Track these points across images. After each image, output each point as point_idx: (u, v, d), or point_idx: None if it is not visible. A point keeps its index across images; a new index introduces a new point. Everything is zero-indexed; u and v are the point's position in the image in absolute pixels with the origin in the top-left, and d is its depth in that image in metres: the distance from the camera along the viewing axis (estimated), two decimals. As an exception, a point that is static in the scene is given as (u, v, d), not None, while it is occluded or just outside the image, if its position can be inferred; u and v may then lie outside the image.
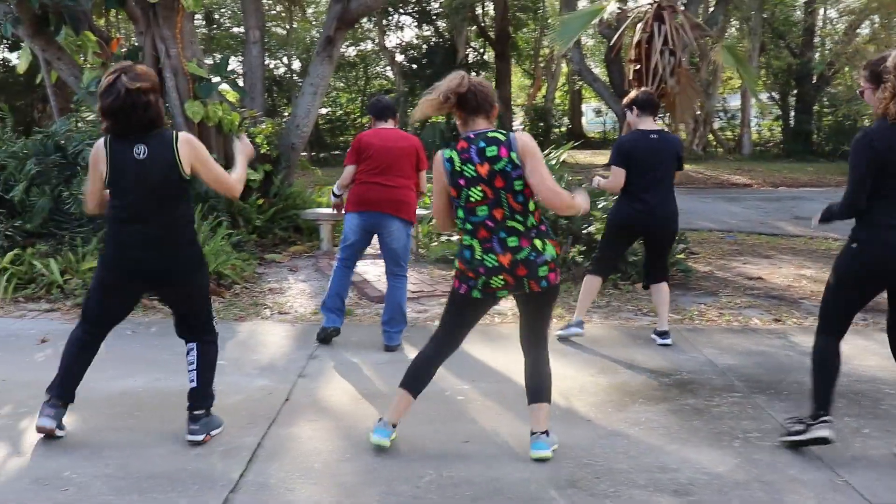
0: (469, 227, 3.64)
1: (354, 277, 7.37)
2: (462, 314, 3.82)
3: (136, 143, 3.70)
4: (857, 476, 3.60)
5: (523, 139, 3.63)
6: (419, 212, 9.02)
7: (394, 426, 3.83)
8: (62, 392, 3.88)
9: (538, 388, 3.80)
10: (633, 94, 5.90)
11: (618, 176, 5.61)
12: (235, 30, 26.68)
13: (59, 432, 3.86)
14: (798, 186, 19.44)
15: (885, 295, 3.90)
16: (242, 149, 4.11)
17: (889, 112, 3.57)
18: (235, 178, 3.97)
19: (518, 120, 31.27)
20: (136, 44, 9.14)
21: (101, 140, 3.79)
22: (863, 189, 3.64)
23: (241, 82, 10.55)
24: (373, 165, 5.38)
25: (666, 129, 6.19)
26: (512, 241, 3.59)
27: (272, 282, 7.55)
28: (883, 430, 4.15)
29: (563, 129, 32.88)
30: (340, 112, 30.64)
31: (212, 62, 11.21)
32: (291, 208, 9.53)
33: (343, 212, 5.70)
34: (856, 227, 3.80)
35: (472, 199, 3.60)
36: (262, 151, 9.36)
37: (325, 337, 5.54)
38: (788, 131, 29.23)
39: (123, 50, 8.90)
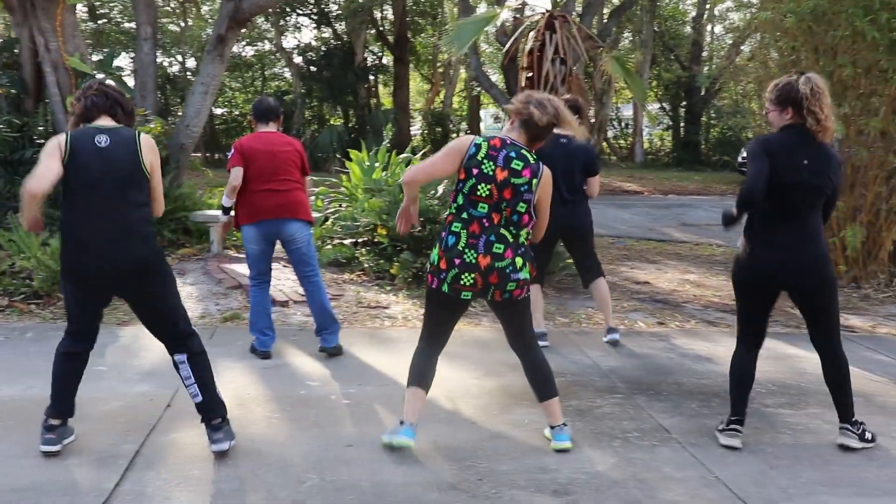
0: (465, 216, 3.69)
1: (242, 281, 7.26)
2: (436, 311, 3.89)
3: (98, 134, 3.63)
4: (726, 471, 3.75)
5: (547, 174, 3.75)
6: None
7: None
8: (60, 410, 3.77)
9: (544, 385, 3.96)
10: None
11: None
12: (127, 25, 25.84)
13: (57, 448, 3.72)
14: (686, 194, 20.16)
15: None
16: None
17: (826, 134, 3.79)
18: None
19: (416, 124, 31.36)
20: (13, 35, 8.75)
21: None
22: (761, 180, 3.77)
23: (131, 80, 10.22)
24: (259, 172, 5.18)
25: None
26: (497, 248, 3.67)
27: (158, 285, 7.32)
28: (752, 427, 4.33)
29: (462, 133, 33.20)
30: (236, 113, 30.08)
31: (99, 58, 10.83)
32: (181, 210, 9.27)
33: (234, 227, 5.47)
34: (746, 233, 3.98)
35: (478, 193, 3.66)
36: (151, 151, 9.08)
37: (263, 357, 5.35)
38: (678, 141, 30.30)
39: (-2, 41, 8.51)
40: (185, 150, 9.84)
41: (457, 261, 3.67)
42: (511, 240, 3.71)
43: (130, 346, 5.51)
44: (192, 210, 9.30)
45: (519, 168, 3.66)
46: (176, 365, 3.82)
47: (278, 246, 5.48)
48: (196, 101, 9.84)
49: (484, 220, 3.68)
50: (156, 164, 3.74)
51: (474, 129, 34.32)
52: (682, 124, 30.45)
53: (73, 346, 3.79)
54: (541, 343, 5.70)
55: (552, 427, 3.97)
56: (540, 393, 3.97)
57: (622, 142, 32.05)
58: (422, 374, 3.89)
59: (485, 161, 3.64)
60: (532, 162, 3.69)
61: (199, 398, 3.79)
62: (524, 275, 3.74)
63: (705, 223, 14.36)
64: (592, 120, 27.28)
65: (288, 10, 26.73)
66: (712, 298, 7.75)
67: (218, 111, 28.65)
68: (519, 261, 3.72)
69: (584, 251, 5.94)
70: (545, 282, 6.37)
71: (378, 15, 28.38)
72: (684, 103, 30.09)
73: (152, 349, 5.46)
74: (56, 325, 5.52)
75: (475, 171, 3.64)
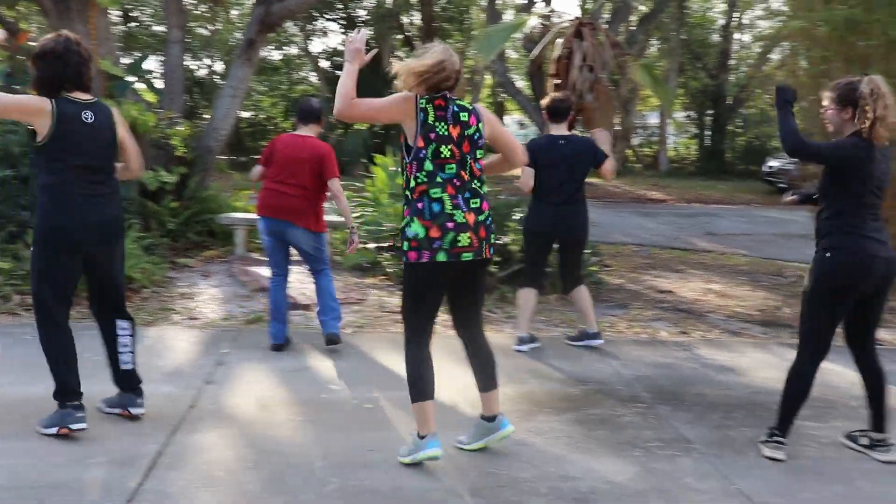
0: (439, 180, 3.66)
1: (266, 283, 7.30)
2: (425, 293, 3.74)
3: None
4: (748, 483, 3.72)
5: (486, 111, 3.85)
6: (333, 218, 8.94)
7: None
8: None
9: (489, 373, 3.96)
10: (545, 100, 5.97)
11: (526, 175, 5.69)
12: (156, 28, 26.09)
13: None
14: (711, 203, 20.02)
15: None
16: None
17: (878, 134, 3.80)
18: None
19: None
20: (48, 38, 8.87)
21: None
22: None
23: (160, 82, 10.31)
24: (276, 171, 5.47)
25: (578, 134, 6.28)
26: (475, 203, 3.71)
27: (183, 286, 7.39)
28: (776, 440, 4.30)
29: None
30: (263, 116, 30.26)
31: (130, 61, 10.96)
32: (206, 212, 9.35)
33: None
34: (832, 239, 3.91)
35: (442, 156, 3.66)
36: (178, 153, 9.18)
37: (276, 348, 5.56)
38: (703, 150, 30.10)
39: (32, 44, 8.62)
40: (213, 152, 9.91)
41: (449, 224, 3.62)
42: (482, 192, 3.78)
43: (154, 347, 5.55)
44: (218, 212, 9.37)
45: (466, 119, 3.71)
46: (114, 330, 4.09)
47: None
48: (224, 104, 9.92)
49: (455, 181, 3.68)
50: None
51: (499, 135, 34.27)
52: (707, 133, 30.25)
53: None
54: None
55: (489, 418, 3.92)
56: (484, 382, 3.91)
57: (647, 150, 31.90)
58: (427, 384, 3.75)
59: (437, 124, 3.66)
60: (471, 109, 3.76)
61: (131, 366, 4.12)
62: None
63: (730, 233, 14.25)
64: (618, 128, 27.18)
65: (315, 14, 26.86)
66: (736, 308, 7.70)
67: (244, 114, 28.83)
68: (490, 211, 3.83)
69: (573, 255, 5.97)
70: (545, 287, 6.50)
71: (405, 20, 28.46)
72: (711, 112, 29.90)
73: (176, 350, 5.54)
74: (83, 324, 5.56)
75: (432, 136, 3.65)
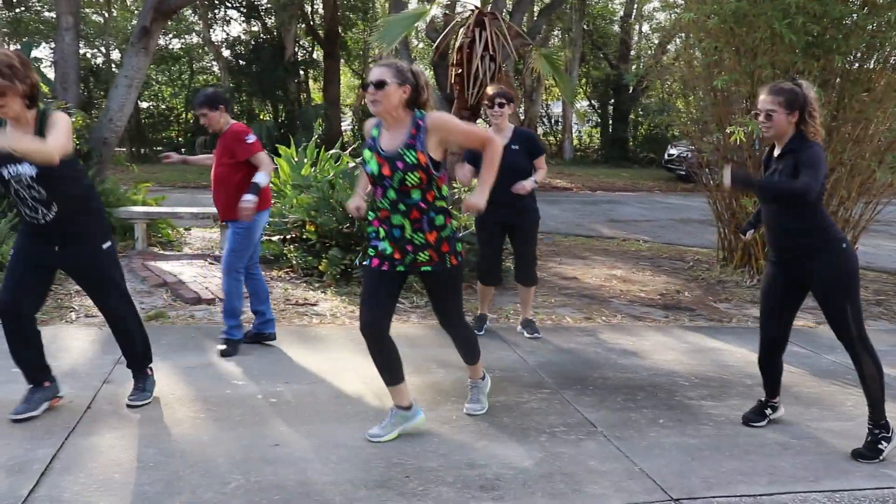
0: None
1: (168, 278, 7.14)
2: None
3: None
4: (650, 463, 3.82)
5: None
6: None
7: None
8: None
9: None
10: (499, 89, 5.81)
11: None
12: (47, 14, 25.04)
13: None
14: (614, 191, 20.50)
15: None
16: None
17: (820, 135, 3.98)
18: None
19: (347, 120, 31.16)
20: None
21: None
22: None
23: (52, 71, 9.91)
24: None
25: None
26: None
27: (79, 283, 7.12)
28: (676, 419, 4.44)
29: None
30: (163, 107, 29.47)
31: (16, 47, 10.47)
32: (104, 206, 9.04)
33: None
34: (831, 230, 3.97)
35: None
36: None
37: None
38: (606, 138, 30.77)
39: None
40: (108, 144, 9.59)
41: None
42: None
43: (49, 347, 5.28)
44: (116, 206, 9.08)
45: None
46: None
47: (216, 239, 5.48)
48: (120, 94, 9.60)
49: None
50: None
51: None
52: (610, 122, 30.93)
53: None
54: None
55: (405, 408, 4.08)
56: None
57: (552, 139, 32.40)
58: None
59: None
60: None
61: None
62: None
63: (632, 219, 14.61)
64: (522, 117, 27.52)
65: (216, 2, 26.28)
66: (638, 293, 7.90)
67: (144, 105, 28.03)
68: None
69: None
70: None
71: (308, 9, 28.11)
72: (612, 101, 30.60)
73: (72, 349, 5.34)
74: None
75: None
